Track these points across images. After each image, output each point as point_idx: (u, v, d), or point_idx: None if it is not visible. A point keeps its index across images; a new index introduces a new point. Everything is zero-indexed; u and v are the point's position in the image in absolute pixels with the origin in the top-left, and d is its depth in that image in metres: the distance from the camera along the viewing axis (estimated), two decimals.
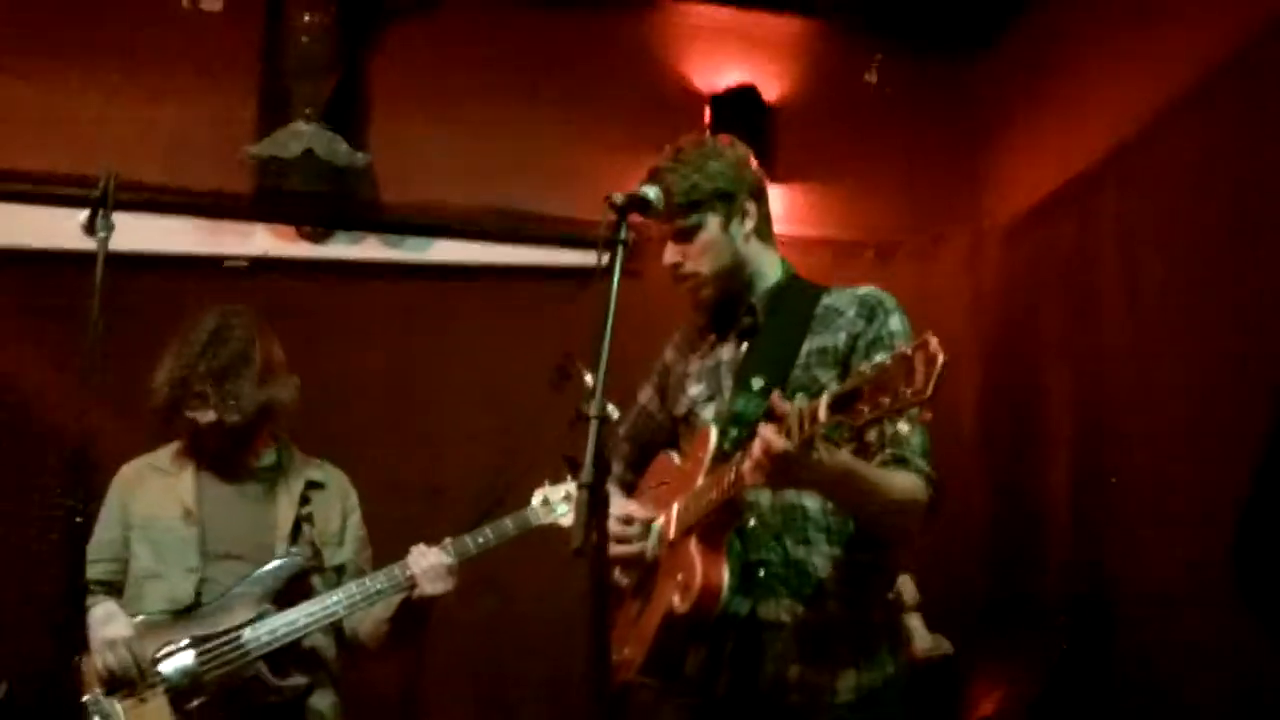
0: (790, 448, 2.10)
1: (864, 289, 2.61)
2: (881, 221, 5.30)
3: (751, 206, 2.64)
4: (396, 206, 4.82)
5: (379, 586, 3.20)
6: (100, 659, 3.05)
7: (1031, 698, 4.12)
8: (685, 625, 2.41)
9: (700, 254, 2.60)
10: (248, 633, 3.12)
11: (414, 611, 3.24)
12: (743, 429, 2.44)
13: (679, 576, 2.40)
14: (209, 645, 3.11)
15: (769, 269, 2.68)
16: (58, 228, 4.26)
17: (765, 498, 2.46)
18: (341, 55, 4.70)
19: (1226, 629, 3.56)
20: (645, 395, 2.92)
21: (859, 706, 2.42)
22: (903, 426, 1.98)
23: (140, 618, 3.16)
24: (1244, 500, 3.11)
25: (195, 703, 3.07)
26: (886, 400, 1.92)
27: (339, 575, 3.35)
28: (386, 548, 3.43)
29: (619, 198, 2.29)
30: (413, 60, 4.89)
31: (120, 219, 2.68)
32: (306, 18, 4.61)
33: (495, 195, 4.91)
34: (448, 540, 3.26)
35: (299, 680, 3.16)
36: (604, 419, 2.10)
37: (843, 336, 2.52)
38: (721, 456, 2.43)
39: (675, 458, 2.71)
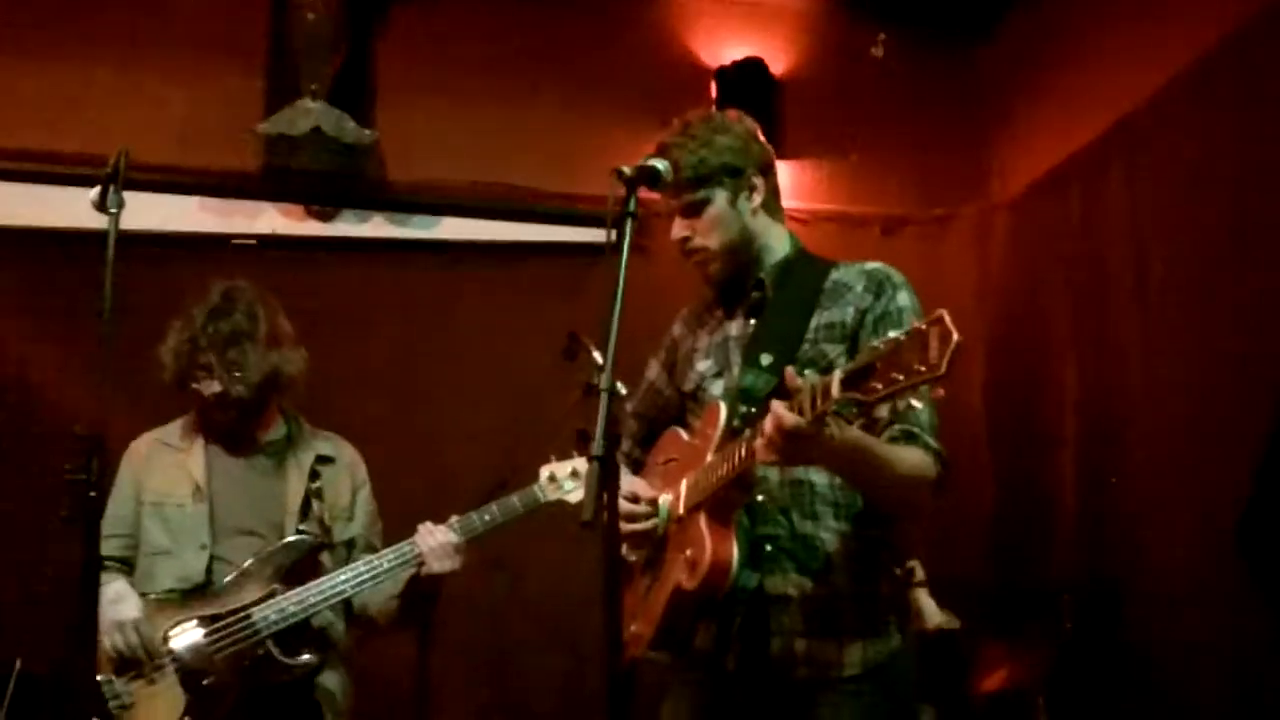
0: (803, 424, 2.09)
1: (872, 264, 2.60)
2: (888, 198, 5.30)
3: (759, 181, 2.63)
4: (403, 184, 4.83)
5: (387, 565, 3.21)
6: (109, 640, 3.06)
7: (1038, 678, 4.13)
8: (694, 601, 2.41)
9: (708, 229, 2.60)
10: (257, 612, 3.13)
11: (422, 589, 3.26)
12: (751, 405, 2.44)
13: (688, 552, 2.41)
14: (218, 625, 3.12)
15: (777, 244, 2.67)
16: (66, 207, 4.28)
17: (773, 473, 2.46)
18: (348, 33, 4.70)
19: (1228, 621, 3.58)
20: (653, 371, 2.91)
21: (866, 679, 2.43)
22: (916, 402, 1.98)
23: (150, 597, 3.18)
24: (1246, 493, 3.12)
25: (205, 682, 3.09)
26: (900, 376, 1.91)
27: (349, 550, 3.37)
28: (393, 525, 3.45)
29: (628, 170, 2.29)
30: (419, 38, 4.89)
31: (128, 198, 2.67)
32: None
33: (501, 172, 4.92)
34: (454, 518, 3.26)
35: (309, 658, 3.17)
36: (613, 392, 2.10)
37: (851, 311, 2.51)
38: (731, 433, 2.43)
39: (683, 434, 2.71)
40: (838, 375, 2.04)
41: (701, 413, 2.63)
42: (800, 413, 2.09)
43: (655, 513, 2.56)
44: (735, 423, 2.45)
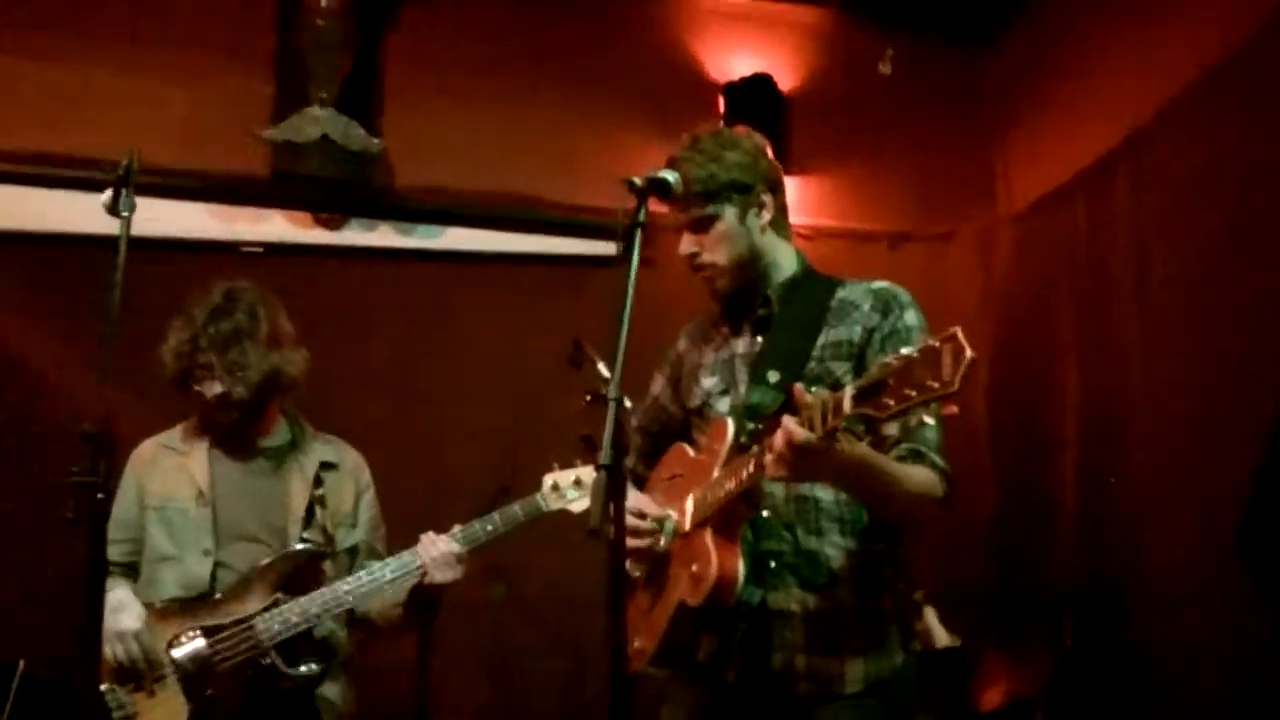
0: (813, 439, 2.10)
1: (879, 283, 2.62)
2: (893, 213, 5.31)
3: (768, 198, 2.64)
4: (410, 193, 4.83)
5: (389, 576, 3.20)
6: (110, 650, 3.06)
7: (1038, 690, 4.13)
8: (699, 616, 2.42)
9: (716, 244, 2.60)
10: (260, 622, 3.13)
11: (425, 597, 3.26)
12: (759, 421, 2.45)
13: (693, 568, 2.42)
14: (221, 635, 3.12)
15: (784, 261, 2.68)
16: (72, 210, 4.29)
17: (779, 489, 2.47)
18: (356, 40, 4.71)
19: (1229, 624, 3.59)
20: (658, 386, 2.92)
21: (867, 695, 2.44)
22: (928, 419, 1.99)
23: (155, 606, 3.17)
24: (1245, 497, 3.13)
25: (208, 692, 3.08)
26: (913, 392, 1.92)
27: (352, 557, 3.37)
28: (395, 530, 3.45)
29: (639, 180, 2.31)
30: (427, 46, 4.90)
31: (135, 202, 2.67)
32: (323, 1, 4.61)
33: (508, 182, 4.93)
34: (457, 528, 3.26)
35: (311, 668, 3.17)
36: (621, 400, 2.10)
37: (858, 330, 2.52)
38: (739, 449, 2.44)
39: (689, 450, 2.72)
40: (850, 391, 2.04)
41: (707, 429, 2.64)
42: (811, 428, 2.10)
43: (660, 530, 2.56)
44: (743, 439, 2.46)
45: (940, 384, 1.87)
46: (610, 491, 2.04)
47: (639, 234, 2.24)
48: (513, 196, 4.92)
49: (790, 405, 2.20)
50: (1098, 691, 4.14)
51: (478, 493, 3.46)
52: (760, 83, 5.02)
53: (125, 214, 2.58)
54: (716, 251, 2.61)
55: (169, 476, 3.31)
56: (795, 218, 2.81)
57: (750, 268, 2.64)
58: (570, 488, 3.32)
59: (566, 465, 3.35)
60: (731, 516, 2.39)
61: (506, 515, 3.29)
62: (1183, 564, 3.88)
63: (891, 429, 2.40)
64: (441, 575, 3.19)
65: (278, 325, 3.32)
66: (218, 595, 3.18)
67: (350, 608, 3.23)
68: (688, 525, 2.51)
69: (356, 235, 4.82)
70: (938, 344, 1.89)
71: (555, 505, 3.32)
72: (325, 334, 3.62)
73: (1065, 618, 4.27)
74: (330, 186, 4.69)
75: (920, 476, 2.38)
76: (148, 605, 3.18)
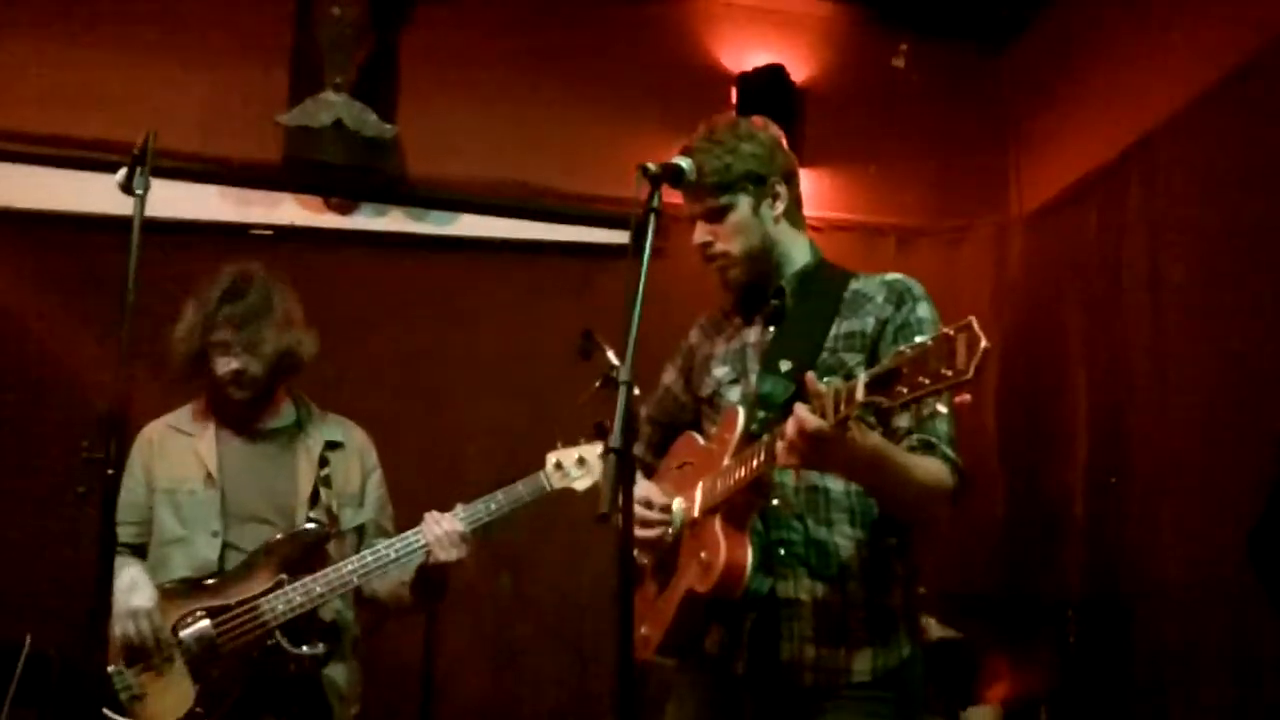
0: (825, 427, 2.09)
1: (892, 275, 2.61)
2: (905, 208, 5.31)
3: (782, 189, 2.63)
4: (422, 180, 4.84)
5: (393, 555, 3.20)
6: (120, 627, 3.06)
7: (1045, 689, 4.13)
8: (706, 605, 2.42)
9: (730, 235, 2.59)
10: (265, 603, 3.13)
11: (431, 579, 3.25)
12: (770, 411, 2.44)
13: (702, 555, 2.41)
14: (227, 616, 3.12)
15: (798, 252, 2.67)
16: (88, 192, 4.31)
17: (789, 479, 2.46)
18: (372, 27, 4.72)
19: (1236, 627, 3.58)
20: (669, 376, 2.91)
21: (875, 686, 2.43)
22: (941, 407, 1.97)
23: (165, 586, 3.17)
24: (1256, 503, 3.12)
25: (215, 672, 3.09)
26: (926, 381, 1.90)
27: (360, 536, 3.37)
28: (402, 519, 3.44)
29: (653, 167, 2.30)
30: (442, 36, 4.91)
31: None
32: None
33: (520, 171, 4.95)
34: (459, 506, 3.24)
35: (317, 649, 3.17)
36: (631, 384, 2.10)
37: (871, 322, 2.51)
38: (749, 437, 2.43)
39: (699, 439, 2.71)
40: (863, 379, 2.03)
41: (718, 418, 2.63)
42: (823, 416, 2.10)
43: (669, 519, 2.56)
44: (753, 428, 2.45)
45: (954, 373, 1.85)
46: (620, 475, 2.03)
47: (653, 220, 2.24)
48: (525, 186, 4.93)
49: (802, 394, 2.19)
50: (1102, 691, 4.14)
51: (485, 481, 3.45)
52: (774, 74, 5.01)
53: (140, 192, 2.60)
54: (730, 242, 2.60)
55: (177, 459, 3.32)
56: (806, 210, 2.80)
57: (763, 259, 2.63)
58: (574, 466, 3.29)
59: (570, 443, 3.32)
60: (741, 505, 2.38)
61: (510, 494, 3.27)
62: (1190, 566, 3.88)
63: (903, 421, 2.40)
64: (446, 554, 3.17)
65: (290, 306, 3.34)
66: (213, 580, 3.18)
67: (356, 587, 3.23)
68: (696, 513, 2.50)
69: (368, 221, 4.84)
70: (952, 332, 1.87)
71: (559, 484, 3.29)
72: (334, 319, 3.63)
73: (1070, 618, 4.26)
74: (343, 172, 4.69)
75: (932, 468, 2.37)
76: (156, 584, 3.18)
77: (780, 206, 2.63)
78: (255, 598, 3.14)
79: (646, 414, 2.90)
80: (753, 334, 2.67)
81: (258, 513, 3.27)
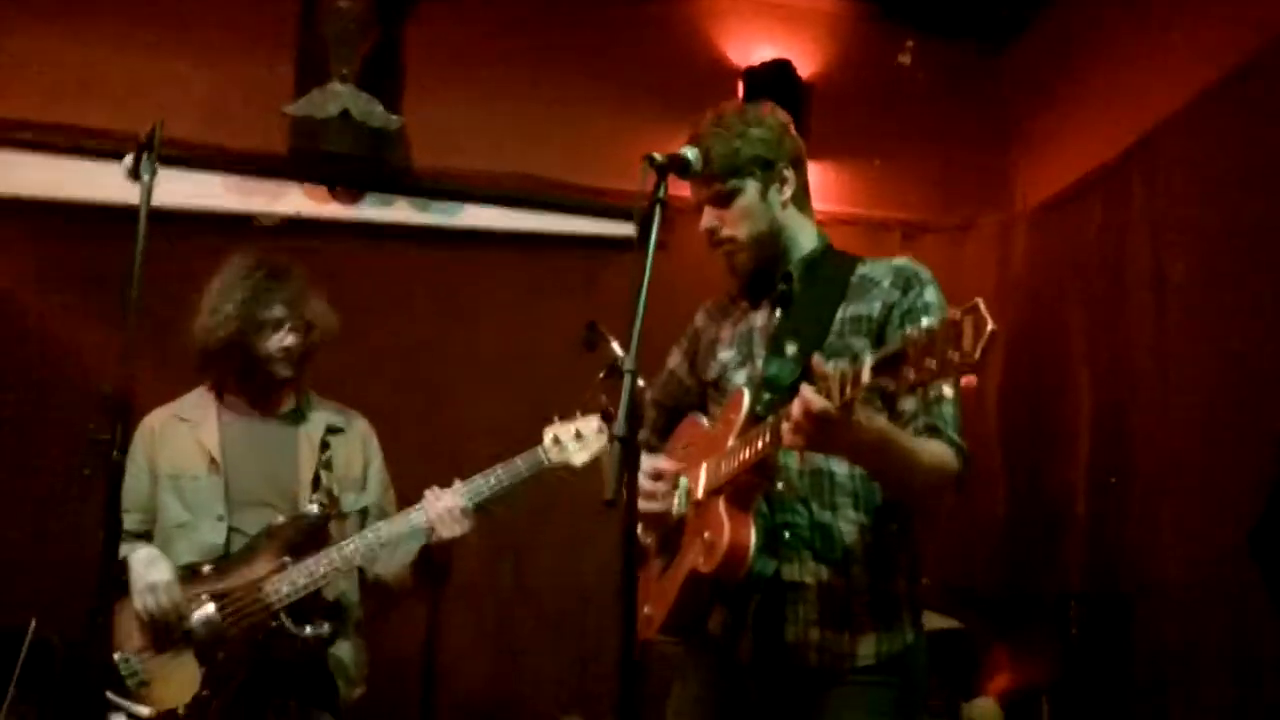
0: (831, 408, 2.09)
1: (899, 260, 2.61)
2: (910, 203, 5.32)
3: (790, 174, 2.63)
4: (427, 171, 4.84)
5: (395, 533, 3.21)
6: (141, 601, 3.08)
7: (1046, 681, 4.13)
8: (709, 584, 2.42)
9: (738, 219, 2.59)
10: (268, 585, 3.14)
11: (435, 560, 3.25)
12: (776, 393, 2.45)
13: (705, 535, 2.41)
14: (231, 599, 3.14)
15: (805, 237, 2.68)
16: (93, 181, 4.31)
17: (794, 462, 2.47)
18: (378, 18, 4.72)
19: (1236, 625, 3.59)
20: (674, 360, 2.91)
21: (878, 671, 2.44)
22: (947, 390, 1.97)
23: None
24: (1258, 501, 3.12)
25: (220, 655, 3.10)
26: (933, 364, 1.90)
27: (363, 519, 3.37)
28: (402, 504, 3.44)
29: (659, 157, 2.31)
30: (448, 27, 4.91)
31: None
32: None
33: (525, 162, 4.94)
34: (459, 482, 3.24)
35: (321, 629, 3.18)
36: (636, 373, 2.10)
37: (878, 306, 2.51)
38: (754, 419, 2.43)
39: (703, 421, 2.71)
40: (869, 361, 2.03)
41: (723, 401, 2.63)
42: (829, 398, 2.10)
43: (674, 490, 2.56)
44: (759, 409, 2.45)
45: (961, 355, 1.85)
46: (625, 462, 2.04)
47: (658, 210, 2.24)
48: (531, 178, 4.93)
49: (808, 377, 2.19)
50: (1103, 684, 4.14)
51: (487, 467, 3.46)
52: (780, 68, 5.01)
53: (146, 177, 2.60)
54: (737, 227, 2.60)
55: (179, 446, 3.34)
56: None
57: (770, 243, 2.63)
58: (571, 440, 3.29)
59: (567, 417, 3.33)
60: (746, 486, 2.38)
61: (509, 468, 3.27)
62: (1190, 565, 3.88)
63: (909, 404, 2.40)
64: (448, 530, 3.18)
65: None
66: (216, 565, 3.19)
67: (359, 567, 3.24)
68: (700, 493, 2.50)
69: (373, 211, 4.84)
70: (959, 315, 1.87)
71: (557, 459, 3.29)
72: (339, 309, 3.63)
73: (1072, 613, 4.26)
74: (348, 163, 4.69)
75: (937, 451, 2.37)
76: None
77: (788, 191, 2.63)
78: (259, 580, 3.15)
79: (651, 397, 2.90)
80: (759, 318, 2.67)
81: (261, 497, 3.29)
